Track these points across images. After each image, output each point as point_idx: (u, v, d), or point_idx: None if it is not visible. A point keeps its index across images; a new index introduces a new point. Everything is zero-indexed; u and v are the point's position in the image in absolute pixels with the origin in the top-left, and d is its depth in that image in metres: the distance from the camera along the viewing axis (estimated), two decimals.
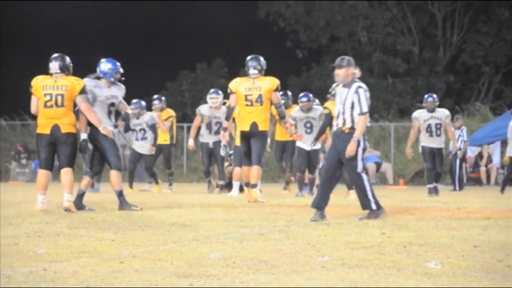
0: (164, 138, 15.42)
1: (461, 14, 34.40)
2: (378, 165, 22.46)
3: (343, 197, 12.76)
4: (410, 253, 5.42)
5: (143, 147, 14.86)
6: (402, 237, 6.39)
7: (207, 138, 14.37)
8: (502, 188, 15.43)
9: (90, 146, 9.60)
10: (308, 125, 13.48)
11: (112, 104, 9.58)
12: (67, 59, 9.37)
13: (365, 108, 8.07)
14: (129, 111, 9.94)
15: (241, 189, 13.47)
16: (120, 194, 9.46)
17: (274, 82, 10.94)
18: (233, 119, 13.26)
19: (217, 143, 14.10)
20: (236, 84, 11.02)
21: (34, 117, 9.55)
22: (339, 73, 8.14)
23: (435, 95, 14.28)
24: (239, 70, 31.67)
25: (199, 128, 14.63)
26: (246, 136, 11.05)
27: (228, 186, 14.30)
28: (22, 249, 5.52)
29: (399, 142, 25.35)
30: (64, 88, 9.16)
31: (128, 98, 15.94)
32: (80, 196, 9.53)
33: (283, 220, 8.04)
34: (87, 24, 38.14)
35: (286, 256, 5.25)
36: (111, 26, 36.83)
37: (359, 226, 7.42)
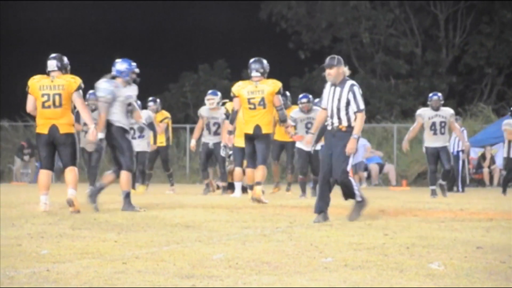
0: (160, 140, 15.39)
1: (464, 16, 34.40)
2: (381, 166, 22.45)
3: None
4: (413, 254, 5.42)
5: (139, 145, 14.81)
6: (405, 239, 6.38)
7: (208, 139, 14.41)
8: (503, 189, 15.41)
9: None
10: (309, 125, 13.49)
11: (129, 104, 9.63)
12: (65, 59, 9.41)
13: (362, 105, 8.09)
14: (143, 121, 10.03)
15: (243, 190, 13.48)
16: (126, 196, 9.46)
17: (276, 85, 10.99)
18: None
19: (217, 144, 14.14)
20: (239, 88, 11.09)
21: (35, 118, 9.57)
22: (331, 73, 8.09)
23: (440, 94, 14.23)
24: (241, 71, 31.69)
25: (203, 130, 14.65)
26: (250, 138, 11.13)
27: (231, 187, 14.30)
28: (25, 250, 5.52)
29: (402, 143, 25.32)
30: (61, 88, 9.19)
31: None
32: (99, 190, 9.55)
33: (286, 221, 8.04)
34: (88, 25, 38.18)
35: (289, 257, 5.25)
36: (112, 28, 36.87)
37: (362, 227, 7.42)
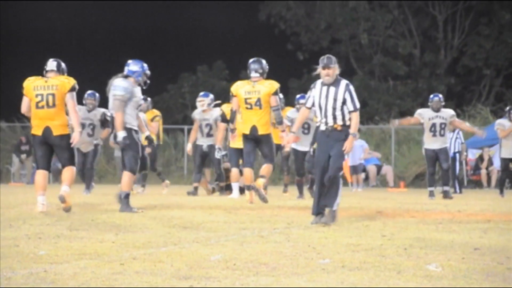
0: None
1: (462, 17, 34.43)
2: (379, 168, 22.45)
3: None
4: (411, 256, 5.42)
5: None
6: (403, 240, 6.39)
7: (201, 141, 14.41)
8: (500, 190, 15.43)
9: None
10: (306, 126, 13.49)
11: (139, 106, 9.67)
12: (63, 64, 9.54)
13: (358, 105, 8.08)
14: (148, 133, 10.10)
15: (241, 191, 13.48)
16: (125, 197, 9.46)
17: (272, 86, 11.01)
18: (228, 121, 13.31)
19: (212, 146, 14.15)
20: (237, 87, 11.14)
21: (30, 119, 9.61)
22: (329, 73, 8.00)
23: (440, 95, 14.22)
24: (240, 72, 31.67)
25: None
26: (247, 138, 11.14)
27: (228, 188, 14.31)
28: (23, 251, 5.52)
29: (399, 145, 25.35)
30: (54, 88, 9.22)
31: None
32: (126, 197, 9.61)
33: (284, 222, 8.04)
34: (87, 26, 38.16)
35: (286, 258, 5.25)
36: (111, 28, 36.88)
37: (359, 229, 7.42)
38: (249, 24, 35.54)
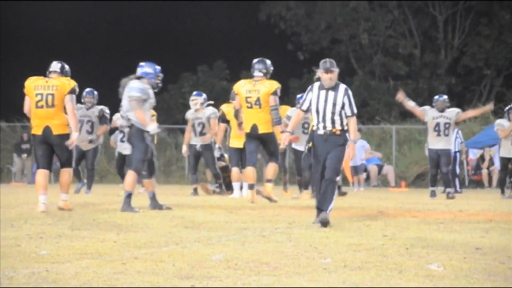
0: None
1: (463, 17, 34.42)
2: (380, 167, 22.45)
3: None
4: (412, 255, 5.42)
5: (127, 148, 14.76)
6: (404, 239, 6.39)
7: (194, 141, 14.41)
8: (501, 190, 15.43)
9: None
10: (306, 125, 13.50)
11: (152, 107, 9.81)
12: (67, 67, 9.62)
13: (355, 110, 8.02)
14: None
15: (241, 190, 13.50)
16: (128, 196, 9.48)
17: (272, 85, 11.09)
18: (228, 122, 13.36)
19: (204, 146, 14.17)
20: (239, 86, 11.31)
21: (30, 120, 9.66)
22: (332, 77, 7.89)
23: (446, 96, 14.16)
24: (240, 72, 31.65)
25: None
26: (249, 136, 11.26)
27: (228, 188, 14.32)
28: (24, 251, 5.52)
29: (400, 145, 25.34)
30: (54, 88, 9.28)
31: None
32: (153, 198, 9.79)
33: (285, 222, 8.04)
34: (87, 27, 38.16)
35: (288, 258, 5.25)
36: (111, 29, 36.87)
37: (361, 228, 7.42)
38: (250, 24, 35.54)
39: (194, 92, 14.90)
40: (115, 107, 15.02)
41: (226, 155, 14.65)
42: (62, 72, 9.47)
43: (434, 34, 34.85)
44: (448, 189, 13.83)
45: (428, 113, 13.82)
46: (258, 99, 11.07)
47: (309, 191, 12.92)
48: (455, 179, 18.13)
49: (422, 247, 5.89)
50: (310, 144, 8.11)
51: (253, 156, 11.29)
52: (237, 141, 13.14)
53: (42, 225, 7.44)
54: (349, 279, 4.44)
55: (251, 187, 11.33)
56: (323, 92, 7.96)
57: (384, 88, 34.14)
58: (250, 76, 11.39)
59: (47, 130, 9.27)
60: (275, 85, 11.11)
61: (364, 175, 21.41)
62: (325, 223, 7.53)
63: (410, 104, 13.90)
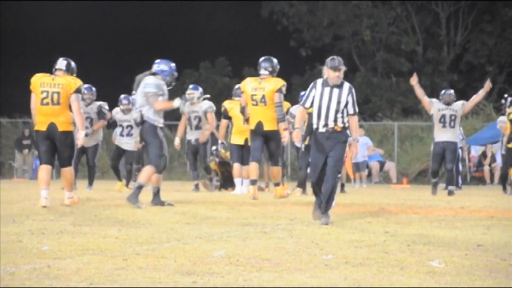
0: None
1: (465, 14, 34.37)
2: (382, 164, 22.45)
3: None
4: (414, 252, 5.42)
5: (128, 143, 14.76)
6: (406, 236, 6.38)
7: (190, 135, 14.42)
8: (503, 187, 15.40)
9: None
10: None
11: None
12: (73, 63, 9.62)
13: (357, 108, 7.97)
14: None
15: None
16: (139, 187, 9.50)
17: (277, 83, 11.15)
18: (230, 118, 13.37)
19: (198, 140, 14.21)
20: (245, 84, 11.42)
21: (32, 116, 9.67)
22: (340, 75, 7.82)
23: (452, 91, 14.10)
24: (242, 68, 31.64)
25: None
26: (254, 134, 11.31)
27: (227, 184, 14.35)
28: (26, 246, 5.53)
29: (402, 141, 25.34)
30: (60, 86, 9.31)
31: None
32: (156, 193, 9.78)
33: (287, 219, 8.04)
34: (90, 23, 38.14)
35: (289, 254, 5.25)
36: (114, 25, 36.84)
37: (362, 225, 7.42)
38: (252, 20, 35.52)
39: (191, 86, 14.89)
40: (114, 103, 15.06)
41: (222, 150, 14.66)
42: (68, 70, 9.50)
43: (436, 31, 34.82)
44: (450, 187, 13.78)
45: (434, 105, 13.74)
46: (263, 97, 11.15)
47: (301, 189, 13.01)
48: (458, 176, 18.10)
49: (424, 243, 5.89)
50: (307, 142, 8.08)
51: (258, 152, 11.34)
52: (238, 137, 13.17)
53: (44, 221, 7.45)
54: (350, 275, 4.44)
55: (253, 182, 11.34)
56: (327, 89, 7.87)
57: (386, 85, 34.12)
58: (252, 72, 11.44)
59: (52, 126, 9.31)
60: (280, 82, 11.18)
61: (366, 172, 21.41)
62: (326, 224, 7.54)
63: (421, 92, 13.84)
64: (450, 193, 13.64)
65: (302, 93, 14.11)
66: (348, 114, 7.85)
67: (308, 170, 12.91)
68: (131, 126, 14.65)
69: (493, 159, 21.88)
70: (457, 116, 13.65)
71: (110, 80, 26.64)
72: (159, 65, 9.89)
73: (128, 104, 14.62)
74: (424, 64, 34.37)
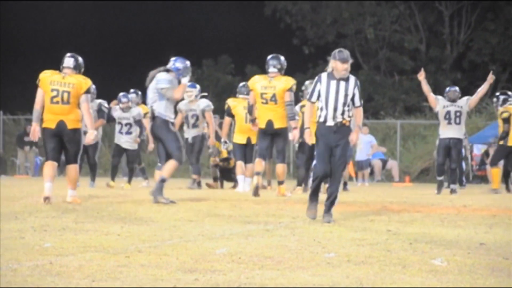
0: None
1: (468, 12, 34.34)
2: (384, 162, 22.44)
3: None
4: (416, 250, 5.41)
5: (128, 142, 14.75)
6: (408, 234, 6.38)
7: (187, 133, 14.41)
8: (506, 186, 15.38)
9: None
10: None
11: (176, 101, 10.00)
12: (80, 59, 9.61)
13: (361, 100, 7.93)
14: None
15: (236, 182, 13.55)
16: (162, 181, 9.52)
17: (288, 82, 11.22)
18: (233, 116, 13.36)
19: (196, 138, 14.20)
20: (254, 82, 11.40)
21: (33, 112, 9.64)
22: (348, 68, 7.75)
23: (457, 88, 14.07)
24: (245, 66, 31.64)
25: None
26: (263, 133, 11.36)
27: (224, 178, 14.38)
28: (28, 243, 5.53)
29: (405, 140, 25.32)
30: (71, 86, 9.31)
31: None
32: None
33: (289, 217, 8.04)
34: (92, 22, 38.13)
35: (291, 252, 5.25)
36: (116, 24, 36.82)
37: (365, 223, 7.42)
38: (255, 18, 35.50)
39: (188, 84, 14.83)
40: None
41: (224, 149, 14.65)
42: (76, 68, 9.47)
43: (439, 29, 34.79)
44: (452, 186, 13.78)
45: (440, 102, 13.73)
46: (274, 95, 11.18)
47: (302, 187, 13.03)
48: (462, 175, 18.08)
49: (426, 242, 5.88)
50: (301, 140, 8.02)
51: (266, 152, 11.36)
52: (240, 136, 13.12)
53: (46, 218, 7.46)
54: (352, 273, 4.44)
55: (258, 173, 11.34)
56: (333, 82, 7.75)
57: (389, 83, 34.11)
58: (255, 70, 11.45)
59: (61, 124, 9.32)
60: (291, 81, 11.25)
61: (368, 170, 21.41)
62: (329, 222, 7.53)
63: (427, 88, 13.83)
64: (453, 191, 13.63)
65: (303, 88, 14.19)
66: (355, 107, 7.81)
67: (308, 169, 12.96)
68: (130, 124, 14.65)
69: None
70: (462, 112, 13.62)
71: (110, 79, 26.66)
72: (175, 62, 9.97)
73: (127, 102, 14.63)
74: (427, 63, 34.33)
